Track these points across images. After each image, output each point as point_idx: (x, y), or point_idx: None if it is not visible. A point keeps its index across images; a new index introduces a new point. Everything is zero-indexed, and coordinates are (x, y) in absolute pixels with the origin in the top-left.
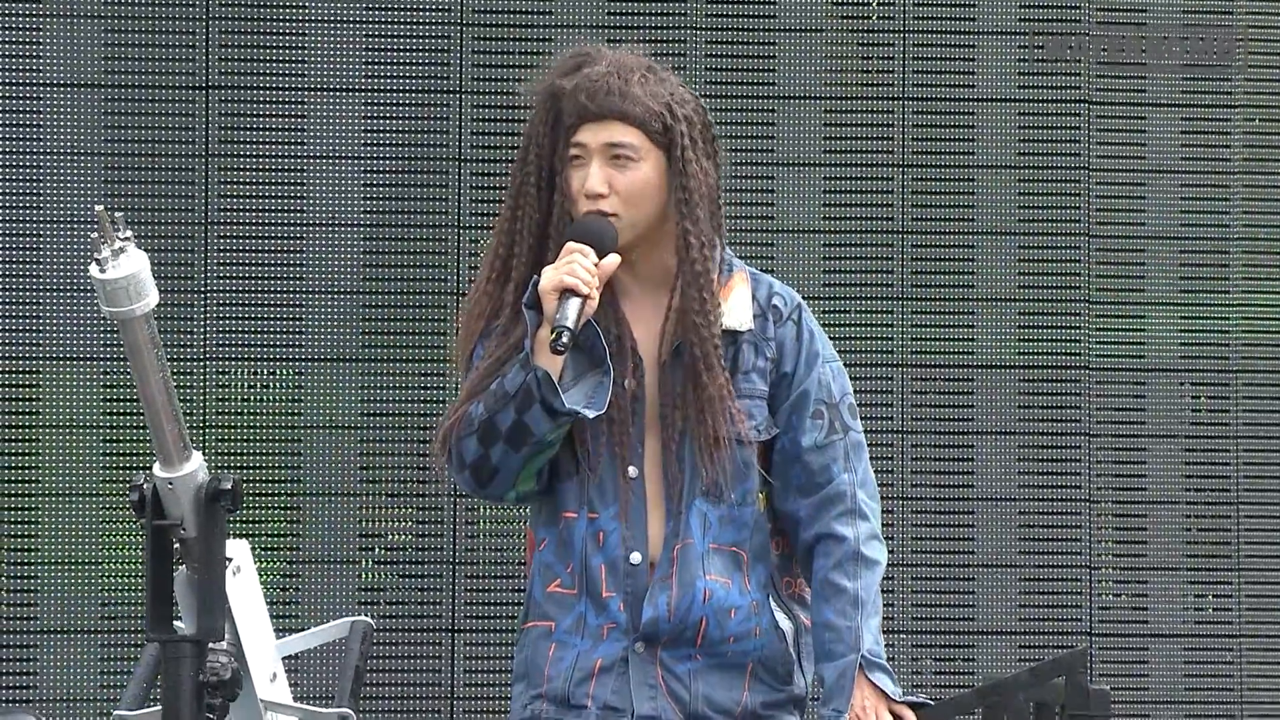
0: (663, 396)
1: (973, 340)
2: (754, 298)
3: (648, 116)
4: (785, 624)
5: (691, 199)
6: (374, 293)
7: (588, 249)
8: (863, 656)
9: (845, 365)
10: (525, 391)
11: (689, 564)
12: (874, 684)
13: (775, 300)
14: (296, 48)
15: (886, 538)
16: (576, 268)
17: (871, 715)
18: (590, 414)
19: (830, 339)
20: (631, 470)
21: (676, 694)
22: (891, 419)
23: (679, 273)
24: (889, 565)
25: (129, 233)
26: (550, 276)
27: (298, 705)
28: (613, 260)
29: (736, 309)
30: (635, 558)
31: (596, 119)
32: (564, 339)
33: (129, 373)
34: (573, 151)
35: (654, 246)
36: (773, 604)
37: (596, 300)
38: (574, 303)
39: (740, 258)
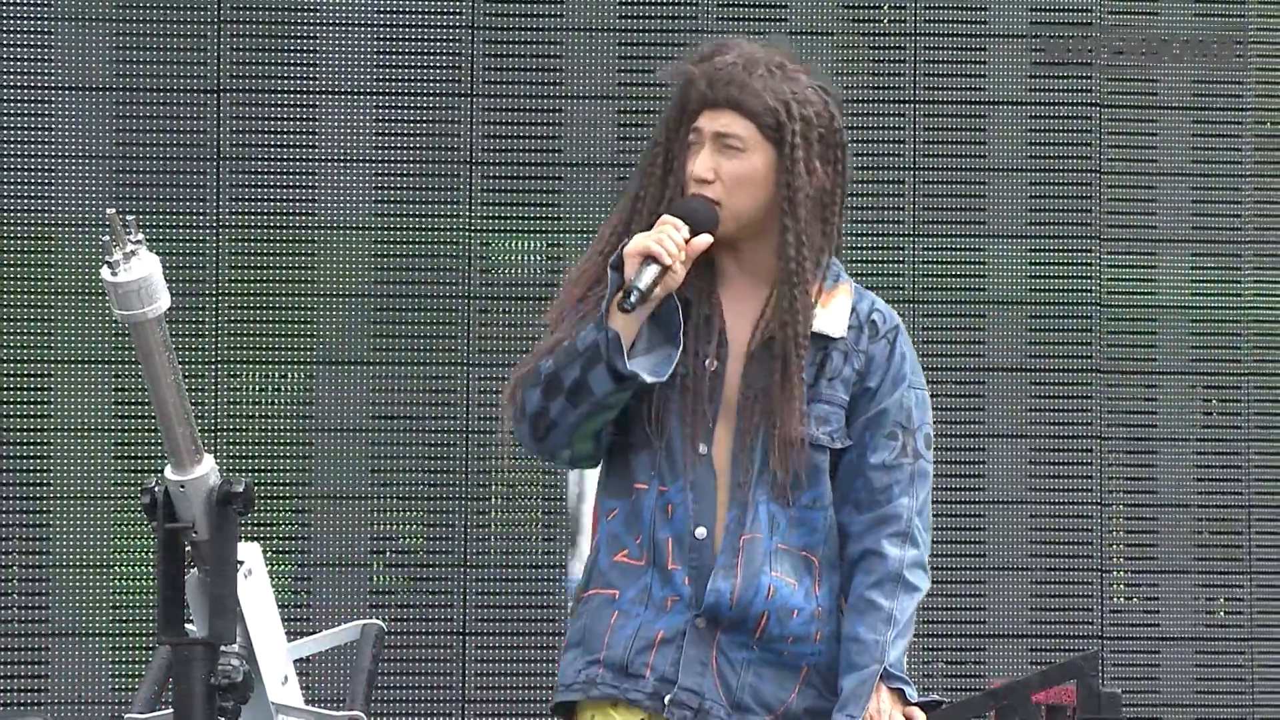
0: (744, 387)
1: (983, 343)
2: (854, 309)
3: (762, 110)
4: None
5: (795, 197)
6: (384, 296)
7: (681, 223)
8: (885, 669)
9: None
10: (593, 350)
11: (754, 559)
12: (891, 689)
13: (875, 316)
14: (307, 51)
15: None
16: (664, 238)
17: (885, 717)
18: (650, 379)
19: None
20: (701, 447)
21: (725, 677)
22: None
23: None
24: None
25: (141, 236)
26: (637, 241)
27: (309, 708)
28: (703, 240)
29: (835, 316)
30: (700, 532)
31: (714, 106)
32: (631, 298)
33: (140, 376)
34: (691, 136)
35: (761, 241)
36: (840, 615)
37: (680, 274)
38: (652, 269)
39: None
